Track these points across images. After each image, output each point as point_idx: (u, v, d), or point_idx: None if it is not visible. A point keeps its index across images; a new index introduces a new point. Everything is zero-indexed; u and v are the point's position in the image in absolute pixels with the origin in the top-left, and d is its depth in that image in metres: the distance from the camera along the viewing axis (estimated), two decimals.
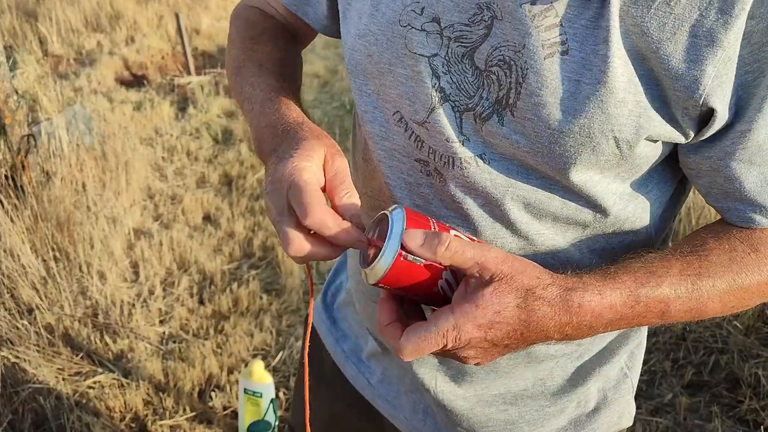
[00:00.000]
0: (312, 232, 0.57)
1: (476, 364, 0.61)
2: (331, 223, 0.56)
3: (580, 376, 0.80)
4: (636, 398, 2.23)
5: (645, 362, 2.30)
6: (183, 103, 4.50)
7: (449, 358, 0.61)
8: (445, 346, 0.56)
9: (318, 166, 0.61)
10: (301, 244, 0.57)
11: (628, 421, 0.86)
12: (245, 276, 2.76)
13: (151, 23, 5.64)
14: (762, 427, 1.98)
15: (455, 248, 0.55)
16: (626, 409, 0.85)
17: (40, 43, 5.02)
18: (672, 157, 0.66)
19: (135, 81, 4.80)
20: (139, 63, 4.99)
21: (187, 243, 2.94)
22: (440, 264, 0.57)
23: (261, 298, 2.63)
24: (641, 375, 2.25)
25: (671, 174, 0.69)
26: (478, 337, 0.56)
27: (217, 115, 4.33)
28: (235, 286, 2.67)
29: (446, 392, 0.80)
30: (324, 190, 0.60)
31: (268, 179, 0.62)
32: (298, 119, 0.68)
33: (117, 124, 3.84)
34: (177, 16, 4.80)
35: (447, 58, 0.63)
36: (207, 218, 3.21)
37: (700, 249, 0.63)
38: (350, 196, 0.59)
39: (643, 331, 0.85)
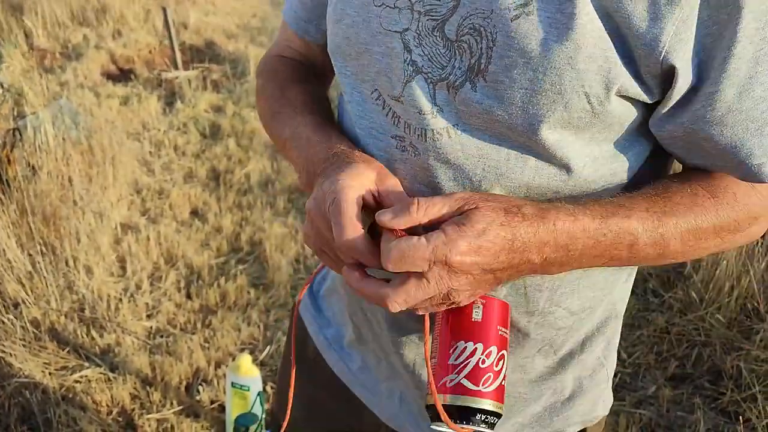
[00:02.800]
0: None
1: (458, 302, 0.63)
2: (361, 247, 0.62)
3: (559, 364, 0.81)
4: (620, 390, 2.25)
5: (629, 355, 2.33)
6: (170, 97, 4.48)
7: (429, 292, 0.61)
8: (432, 263, 0.58)
9: (363, 186, 0.65)
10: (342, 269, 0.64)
11: (604, 410, 0.87)
12: (233, 270, 2.77)
13: (138, 17, 5.60)
14: (743, 418, 2.02)
15: (425, 205, 0.60)
16: (601, 397, 0.86)
17: (25, 36, 4.98)
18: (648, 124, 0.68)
19: (122, 75, 4.77)
20: (126, 57, 4.96)
21: (174, 237, 2.93)
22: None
23: (248, 292, 2.64)
24: (625, 368, 2.27)
25: (648, 141, 0.70)
26: (468, 261, 0.58)
27: (205, 110, 4.32)
28: (222, 280, 2.67)
29: (424, 375, 0.81)
30: (378, 205, 0.65)
31: (312, 196, 0.67)
32: (349, 146, 0.72)
33: (104, 119, 3.82)
34: (164, 10, 4.78)
35: (418, 32, 0.65)
36: (194, 213, 3.21)
37: (664, 191, 0.66)
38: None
39: (619, 320, 0.86)
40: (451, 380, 0.64)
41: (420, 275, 0.60)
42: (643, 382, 2.24)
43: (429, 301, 0.62)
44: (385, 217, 0.61)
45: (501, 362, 0.65)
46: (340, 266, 0.66)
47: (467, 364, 0.64)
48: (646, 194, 0.66)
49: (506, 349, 0.66)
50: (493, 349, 0.65)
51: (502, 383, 0.65)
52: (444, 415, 0.63)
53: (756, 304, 2.38)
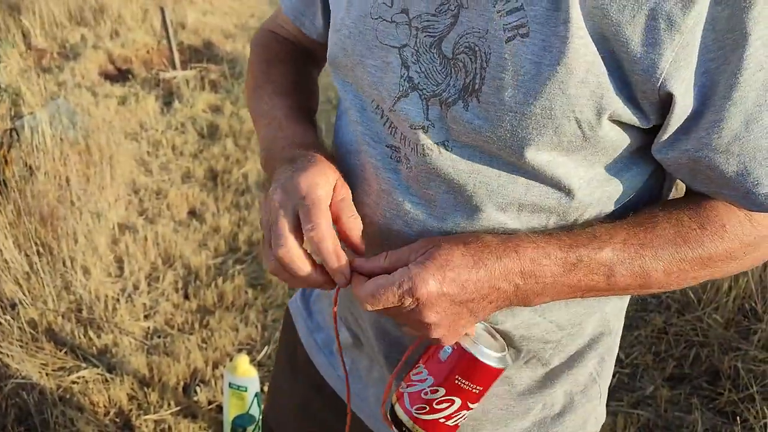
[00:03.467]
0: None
1: (439, 339, 0.64)
2: (330, 244, 0.62)
3: (548, 378, 0.80)
4: (617, 390, 2.25)
5: (627, 355, 2.33)
6: (168, 97, 4.47)
7: (415, 328, 0.64)
8: (402, 294, 0.60)
9: (330, 186, 0.66)
10: (291, 250, 0.63)
11: (594, 427, 0.86)
12: (230, 271, 2.76)
13: (136, 17, 5.60)
14: (740, 418, 2.02)
15: (393, 254, 0.64)
16: (592, 415, 0.85)
17: (23, 36, 4.97)
18: (648, 147, 0.67)
19: (119, 75, 4.77)
20: (124, 57, 4.96)
21: (172, 238, 2.93)
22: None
23: (246, 292, 2.63)
24: (623, 368, 2.28)
25: (646, 164, 0.69)
26: (435, 293, 0.60)
27: (203, 110, 4.31)
28: (220, 280, 2.67)
29: None
30: (331, 210, 0.66)
31: (279, 182, 0.67)
32: (315, 141, 0.74)
33: (101, 119, 3.82)
34: (162, 10, 4.77)
35: (416, 47, 0.64)
36: (192, 213, 3.21)
37: (648, 221, 0.66)
38: (355, 219, 0.66)
39: (614, 337, 0.85)
40: (402, 389, 0.71)
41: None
42: (641, 382, 2.24)
43: (413, 331, 0.65)
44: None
45: (447, 406, 0.68)
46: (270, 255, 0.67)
47: (416, 385, 0.69)
48: (627, 225, 0.65)
49: (462, 400, 0.69)
50: (441, 390, 0.68)
51: (441, 421, 0.69)
52: (382, 410, 0.73)
53: (753, 304, 2.38)
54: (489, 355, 0.67)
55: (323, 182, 0.65)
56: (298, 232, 0.64)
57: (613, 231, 0.64)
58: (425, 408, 0.68)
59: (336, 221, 0.66)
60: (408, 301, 0.60)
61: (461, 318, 0.63)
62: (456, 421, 0.70)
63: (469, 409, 0.70)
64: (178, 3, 5.97)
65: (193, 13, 5.89)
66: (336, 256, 0.63)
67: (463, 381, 0.68)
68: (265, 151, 0.77)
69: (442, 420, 0.69)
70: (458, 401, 0.68)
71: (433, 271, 0.60)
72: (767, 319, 2.31)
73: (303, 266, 0.64)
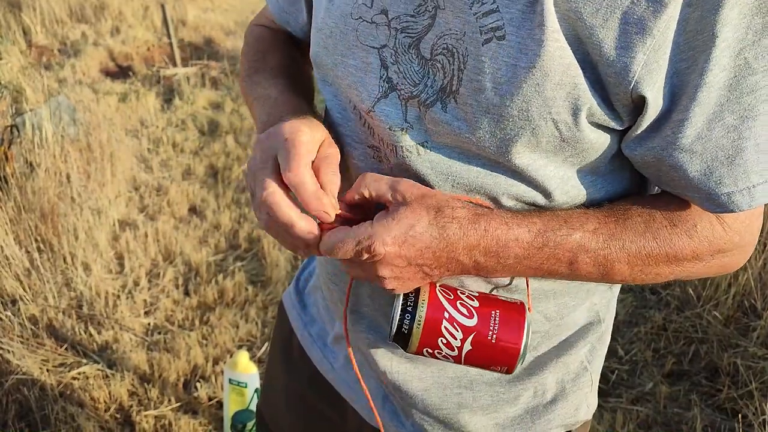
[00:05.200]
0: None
1: (392, 290, 0.65)
2: (309, 185, 0.62)
3: (536, 365, 0.81)
4: (617, 387, 2.25)
5: (626, 352, 2.34)
6: (169, 94, 4.48)
7: (368, 277, 0.65)
8: (360, 251, 0.61)
9: (316, 139, 0.65)
10: (275, 193, 0.63)
11: (586, 415, 0.87)
12: (231, 267, 2.77)
13: (137, 14, 5.60)
14: (740, 415, 2.02)
15: (371, 179, 0.64)
16: (584, 402, 0.86)
17: (24, 33, 4.97)
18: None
19: (120, 72, 4.77)
20: (125, 54, 4.96)
21: (172, 234, 2.93)
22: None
23: (246, 289, 2.64)
24: (622, 365, 2.28)
25: (627, 171, 0.69)
26: (392, 253, 0.61)
27: (203, 107, 4.32)
28: (220, 277, 2.67)
29: (401, 372, 0.81)
30: (312, 166, 0.65)
31: (265, 133, 0.67)
32: (310, 111, 0.74)
33: (102, 115, 3.82)
34: (163, 7, 4.77)
35: (395, 48, 0.65)
36: (193, 210, 3.21)
37: (621, 214, 0.66)
38: (335, 176, 0.65)
39: (605, 326, 0.85)
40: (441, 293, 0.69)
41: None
42: (640, 378, 2.25)
43: (362, 276, 0.66)
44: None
45: (458, 329, 0.65)
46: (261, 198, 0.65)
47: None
48: (600, 214, 0.66)
49: (473, 336, 0.65)
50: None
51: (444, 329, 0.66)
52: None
53: (753, 301, 2.38)
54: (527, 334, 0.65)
55: (308, 130, 0.65)
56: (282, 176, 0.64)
57: (585, 218, 0.65)
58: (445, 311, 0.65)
59: (315, 175, 0.64)
60: (365, 257, 0.61)
61: (414, 277, 0.64)
62: (449, 348, 0.66)
63: (460, 353, 0.66)
64: (179, 0, 5.97)
65: (193, 10, 5.89)
66: (316, 198, 0.62)
67: (495, 327, 0.65)
68: (260, 124, 0.75)
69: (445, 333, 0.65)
70: (470, 334, 0.65)
71: (395, 233, 0.60)
72: (766, 316, 2.31)
73: (288, 210, 0.63)
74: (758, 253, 2.44)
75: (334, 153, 0.66)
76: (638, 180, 0.72)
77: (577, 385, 0.84)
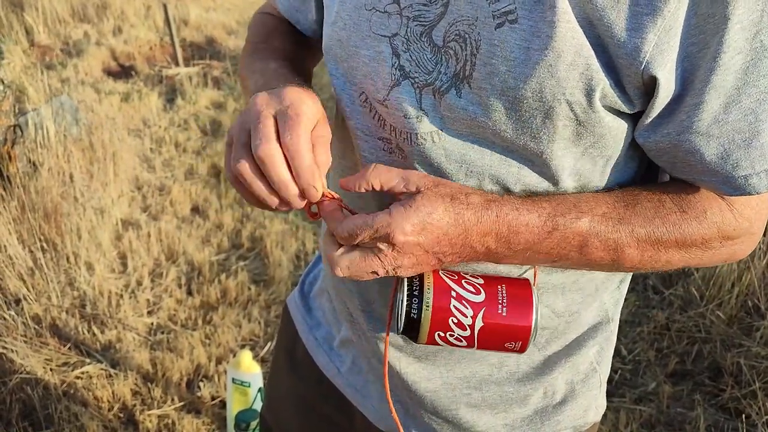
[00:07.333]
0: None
1: (402, 273, 0.64)
2: (307, 157, 0.61)
3: (546, 365, 0.81)
4: (620, 387, 2.25)
5: (629, 351, 2.33)
6: (171, 94, 4.48)
7: (379, 265, 0.63)
8: (377, 238, 0.60)
9: (315, 115, 0.65)
10: (274, 149, 0.61)
11: (595, 416, 0.87)
12: (233, 267, 2.77)
13: (139, 13, 5.60)
14: (743, 415, 2.02)
15: (380, 171, 0.63)
16: (593, 404, 0.86)
17: (26, 33, 4.98)
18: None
19: (122, 72, 4.78)
20: (127, 54, 4.97)
21: (175, 234, 2.93)
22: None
23: (249, 288, 2.64)
24: (625, 364, 2.28)
25: (641, 163, 0.70)
26: (411, 242, 0.60)
27: (206, 107, 4.32)
28: (223, 277, 2.67)
29: (410, 374, 0.81)
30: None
31: (266, 92, 0.65)
32: (310, 87, 0.72)
33: (104, 115, 3.82)
34: (165, 7, 4.77)
35: (406, 36, 0.65)
36: (195, 209, 3.21)
37: (631, 199, 0.66)
38: (327, 157, 0.64)
39: (613, 326, 0.85)
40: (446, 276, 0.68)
41: (367, 249, 0.62)
42: (643, 378, 2.24)
43: (374, 274, 0.64)
44: (344, 184, 0.64)
45: (466, 308, 0.65)
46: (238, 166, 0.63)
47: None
48: (609, 199, 0.66)
49: (482, 315, 0.64)
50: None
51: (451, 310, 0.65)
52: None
53: (756, 301, 2.38)
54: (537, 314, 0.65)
55: (311, 103, 0.64)
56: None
57: (595, 202, 0.65)
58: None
59: None
60: (383, 246, 0.61)
61: (428, 262, 0.64)
62: (456, 332, 0.65)
63: (473, 331, 0.65)
64: (181, 0, 5.97)
65: (195, 10, 5.90)
66: (311, 171, 0.61)
67: (504, 301, 0.65)
68: (256, 91, 0.73)
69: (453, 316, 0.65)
70: (479, 313, 0.64)
71: (415, 220, 0.60)
72: None
73: (283, 170, 0.61)
74: (762, 253, 2.44)
75: (327, 135, 0.66)
76: (643, 175, 0.72)
77: (586, 386, 0.84)
